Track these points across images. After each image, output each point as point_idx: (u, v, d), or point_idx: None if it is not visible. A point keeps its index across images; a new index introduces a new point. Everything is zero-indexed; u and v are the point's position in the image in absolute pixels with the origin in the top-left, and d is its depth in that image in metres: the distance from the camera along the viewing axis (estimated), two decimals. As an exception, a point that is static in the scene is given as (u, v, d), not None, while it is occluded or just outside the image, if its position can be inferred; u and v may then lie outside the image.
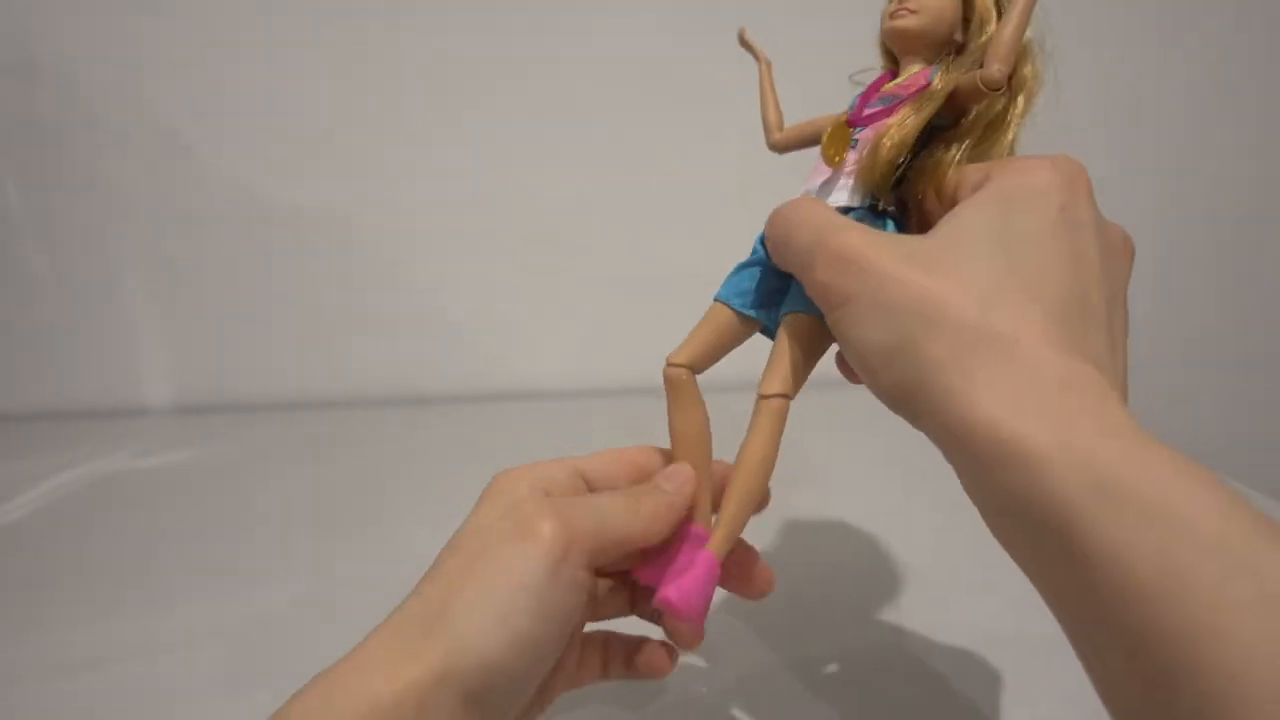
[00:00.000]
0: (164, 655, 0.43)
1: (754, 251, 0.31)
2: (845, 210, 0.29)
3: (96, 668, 0.42)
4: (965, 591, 0.47)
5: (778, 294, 0.30)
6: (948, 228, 0.25)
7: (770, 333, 0.31)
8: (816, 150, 0.31)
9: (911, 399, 0.24)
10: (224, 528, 0.58)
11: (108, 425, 0.75)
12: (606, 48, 0.75)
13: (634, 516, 0.29)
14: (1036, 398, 0.21)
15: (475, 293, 0.82)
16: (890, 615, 0.46)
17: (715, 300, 0.31)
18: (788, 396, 0.29)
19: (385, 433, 0.76)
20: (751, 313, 0.31)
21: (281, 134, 0.74)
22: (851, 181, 0.29)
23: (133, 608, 0.47)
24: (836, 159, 0.30)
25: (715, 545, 0.29)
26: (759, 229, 0.30)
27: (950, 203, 0.27)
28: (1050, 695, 0.39)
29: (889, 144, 0.28)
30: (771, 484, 0.31)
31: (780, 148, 0.34)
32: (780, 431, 0.29)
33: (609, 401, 0.80)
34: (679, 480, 0.30)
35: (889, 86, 0.30)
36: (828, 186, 0.30)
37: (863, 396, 0.28)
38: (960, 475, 0.23)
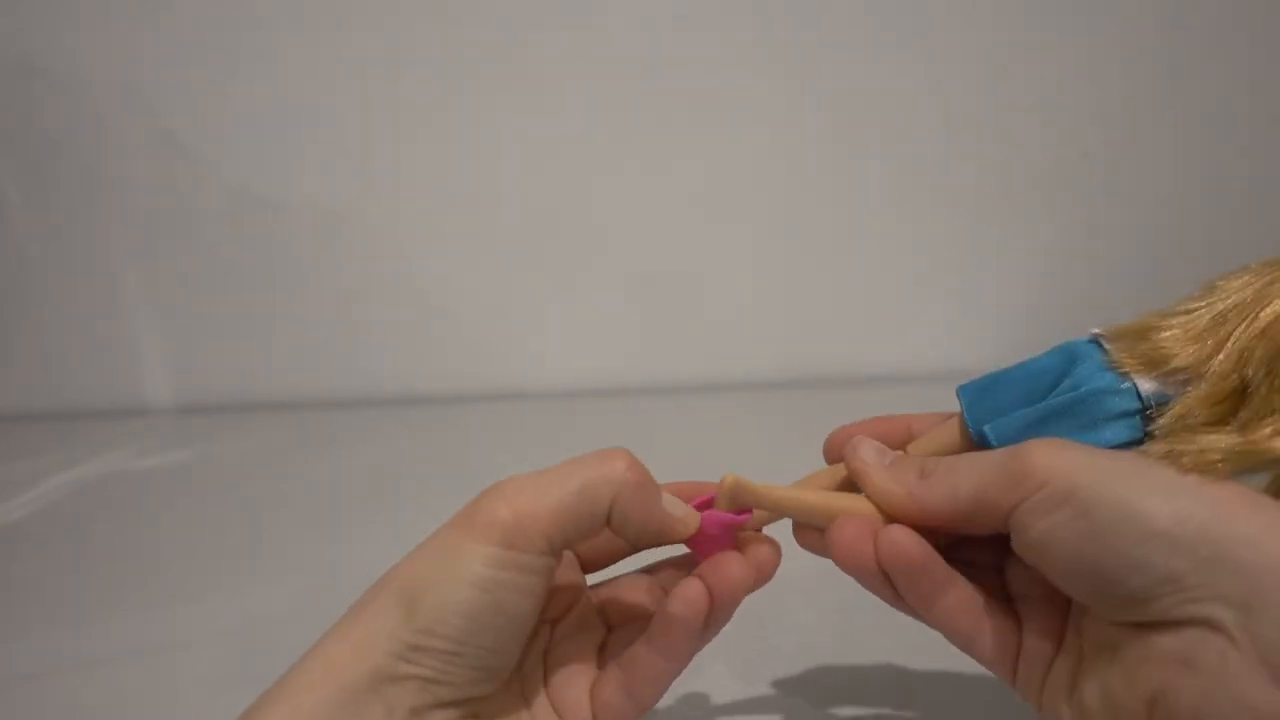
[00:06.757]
0: (164, 655, 0.43)
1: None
2: None
3: (96, 668, 0.42)
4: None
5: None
6: None
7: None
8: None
9: None
10: (224, 528, 0.57)
11: (108, 425, 0.75)
12: (609, 44, 0.75)
13: None
14: None
15: (476, 292, 0.82)
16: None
17: None
18: None
19: (385, 432, 0.76)
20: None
21: (281, 133, 0.74)
22: None
23: (132, 608, 0.47)
24: None
25: None
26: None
27: None
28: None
29: None
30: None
31: None
32: None
33: (610, 402, 0.79)
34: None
35: None
36: None
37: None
38: None
